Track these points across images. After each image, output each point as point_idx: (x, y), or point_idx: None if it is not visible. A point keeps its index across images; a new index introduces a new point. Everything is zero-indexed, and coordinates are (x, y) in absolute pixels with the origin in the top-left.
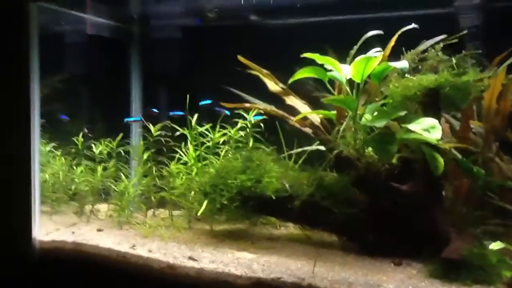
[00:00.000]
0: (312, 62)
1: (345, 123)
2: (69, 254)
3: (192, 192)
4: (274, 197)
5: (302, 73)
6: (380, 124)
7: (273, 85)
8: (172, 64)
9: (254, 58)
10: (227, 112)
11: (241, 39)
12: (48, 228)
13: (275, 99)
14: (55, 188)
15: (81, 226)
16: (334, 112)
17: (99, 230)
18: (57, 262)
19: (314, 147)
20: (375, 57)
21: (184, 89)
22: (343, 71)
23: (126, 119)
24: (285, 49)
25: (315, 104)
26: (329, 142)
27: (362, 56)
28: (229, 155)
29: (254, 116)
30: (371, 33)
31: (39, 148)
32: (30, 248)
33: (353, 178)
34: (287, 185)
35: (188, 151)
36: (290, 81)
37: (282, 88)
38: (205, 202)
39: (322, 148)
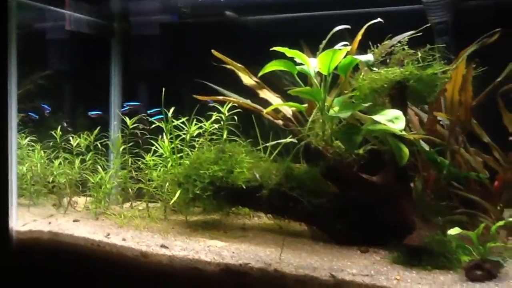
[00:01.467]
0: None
1: (313, 114)
2: (45, 244)
3: (167, 184)
4: (244, 187)
5: (272, 66)
6: (345, 115)
7: (247, 79)
8: (151, 59)
9: (230, 54)
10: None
11: (217, 35)
12: (25, 219)
13: (251, 93)
14: (33, 180)
15: (58, 217)
16: (306, 105)
17: (75, 220)
18: (34, 251)
19: (288, 139)
20: (340, 50)
21: (162, 83)
22: (311, 64)
23: (89, 112)
24: (260, 45)
25: (291, 98)
26: (299, 133)
27: (328, 49)
28: (204, 147)
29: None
30: (338, 28)
31: (16, 140)
32: (7, 238)
33: (322, 169)
34: (257, 175)
35: (164, 143)
36: (260, 73)
37: (256, 82)
38: (178, 192)
39: (295, 140)
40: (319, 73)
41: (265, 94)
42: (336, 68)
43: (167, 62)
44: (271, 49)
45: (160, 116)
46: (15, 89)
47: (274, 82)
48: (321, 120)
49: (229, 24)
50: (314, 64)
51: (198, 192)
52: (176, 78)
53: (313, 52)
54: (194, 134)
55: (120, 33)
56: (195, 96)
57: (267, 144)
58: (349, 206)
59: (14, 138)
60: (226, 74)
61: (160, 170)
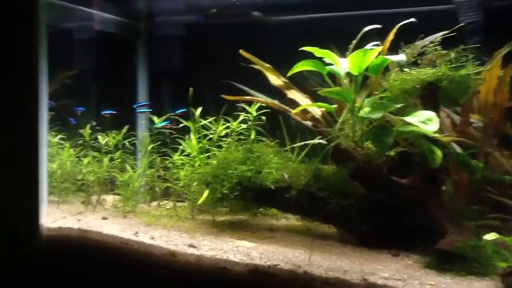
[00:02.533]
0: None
1: (343, 115)
2: (74, 241)
3: (195, 183)
4: (273, 188)
5: (301, 66)
6: (376, 116)
7: (274, 79)
8: (176, 60)
9: (257, 54)
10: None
11: (244, 36)
12: (55, 216)
13: (278, 93)
14: (63, 178)
15: (87, 215)
16: (335, 106)
17: (104, 218)
18: (63, 248)
19: (316, 140)
20: (372, 50)
21: (187, 84)
22: (341, 65)
23: (102, 112)
24: (287, 45)
25: (319, 98)
26: (328, 134)
27: (360, 49)
28: (231, 147)
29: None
30: (368, 27)
31: (47, 138)
32: (37, 235)
33: (350, 170)
34: (286, 176)
35: (191, 143)
36: (289, 73)
37: (284, 82)
38: (206, 192)
39: (324, 141)
40: (348, 74)
41: (293, 94)
42: (366, 68)
43: (192, 63)
44: (300, 49)
45: (168, 122)
46: (46, 87)
47: (300, 82)
48: (351, 121)
49: (255, 24)
50: (344, 64)
51: (225, 192)
52: (202, 79)
53: (341, 53)
54: (222, 134)
55: (146, 34)
56: (223, 96)
57: (295, 145)
58: (378, 208)
59: (44, 136)
60: (251, 75)
61: (186, 169)
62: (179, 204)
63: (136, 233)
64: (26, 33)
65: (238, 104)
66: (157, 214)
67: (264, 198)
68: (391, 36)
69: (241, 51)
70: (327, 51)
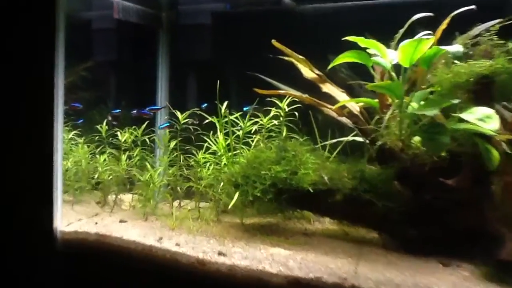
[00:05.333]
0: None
1: (389, 111)
2: (92, 246)
3: (221, 183)
4: (311, 191)
5: (344, 58)
6: (431, 112)
7: (308, 72)
8: (200, 51)
9: (288, 45)
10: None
11: (273, 25)
12: (70, 218)
13: (306, 87)
14: (77, 176)
15: (104, 217)
16: (376, 100)
17: (122, 221)
18: (80, 254)
19: (350, 137)
20: (427, 39)
21: (212, 77)
22: (389, 56)
23: (112, 111)
24: (321, 35)
25: (349, 92)
26: (372, 132)
27: (412, 39)
28: (261, 144)
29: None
30: (418, 15)
31: (62, 134)
32: (52, 239)
33: (397, 171)
34: (325, 178)
35: (217, 140)
36: (331, 65)
37: (318, 74)
38: (236, 194)
39: (359, 138)
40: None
41: (328, 88)
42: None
43: (218, 54)
44: (344, 38)
45: (167, 124)
46: (61, 81)
47: (329, 75)
48: (398, 118)
49: (286, 13)
50: (391, 56)
51: (258, 194)
52: (228, 71)
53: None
54: (252, 131)
55: (168, 23)
56: (255, 90)
57: (327, 142)
58: (425, 212)
59: (59, 131)
60: (281, 67)
61: (210, 168)
62: (202, 204)
63: (160, 239)
64: (43, 25)
65: (268, 99)
66: (181, 217)
67: (300, 201)
68: (443, 25)
69: (274, 42)
70: (374, 41)
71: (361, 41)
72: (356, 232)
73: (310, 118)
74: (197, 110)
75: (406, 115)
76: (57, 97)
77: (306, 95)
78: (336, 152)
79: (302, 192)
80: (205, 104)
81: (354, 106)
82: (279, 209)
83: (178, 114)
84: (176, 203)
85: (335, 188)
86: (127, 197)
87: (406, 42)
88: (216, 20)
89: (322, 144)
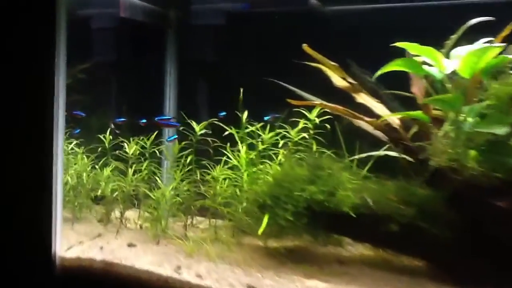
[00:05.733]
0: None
1: (444, 127)
2: (98, 277)
3: (243, 203)
4: (353, 215)
5: (393, 66)
6: (500, 131)
7: (339, 80)
8: (213, 55)
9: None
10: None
11: (297, 28)
12: (70, 240)
13: (327, 95)
14: (76, 191)
15: (109, 239)
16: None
17: (132, 245)
18: (82, 284)
19: (386, 152)
20: (494, 48)
21: (227, 82)
22: (445, 65)
23: (115, 120)
24: (349, 40)
25: None
26: (418, 149)
27: (475, 46)
28: (281, 158)
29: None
30: (475, 20)
31: (63, 145)
32: (50, 268)
33: (451, 194)
34: (369, 201)
35: (236, 153)
36: (377, 74)
37: (351, 83)
38: (266, 217)
39: (393, 153)
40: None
41: (363, 98)
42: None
43: (233, 58)
44: (392, 44)
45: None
46: (63, 87)
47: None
48: (451, 135)
49: (312, 14)
50: (448, 65)
51: (290, 218)
52: (243, 76)
53: None
54: (277, 143)
55: (178, 23)
56: (288, 100)
57: (357, 156)
58: (480, 239)
59: (60, 142)
60: (303, 73)
61: (225, 183)
62: (215, 222)
63: (178, 268)
64: (43, 25)
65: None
66: (196, 239)
67: (339, 226)
68: (507, 30)
69: (305, 46)
70: (429, 48)
71: (411, 47)
72: (396, 260)
73: (331, 130)
74: (215, 120)
75: (463, 132)
76: (58, 104)
77: (341, 107)
78: (366, 168)
79: (340, 216)
80: (224, 113)
81: (394, 119)
82: (316, 235)
83: (194, 124)
84: (188, 221)
85: (381, 212)
86: (131, 214)
87: (470, 50)
88: (232, 20)
89: (350, 158)
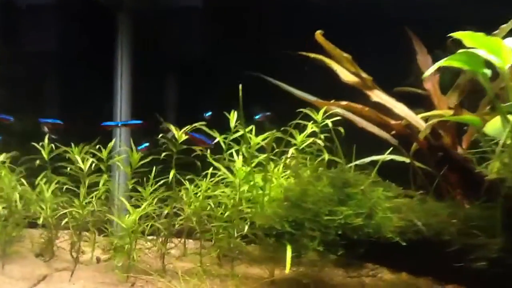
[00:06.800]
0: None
1: (505, 134)
2: None
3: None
4: (403, 242)
5: (450, 61)
6: None
7: (347, 75)
8: (178, 44)
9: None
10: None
11: (295, 17)
12: None
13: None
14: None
15: (61, 284)
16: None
17: None
18: None
19: (389, 155)
20: None
21: (196, 80)
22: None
23: (40, 120)
24: (351, 33)
25: None
26: (465, 159)
27: None
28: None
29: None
30: None
31: None
32: None
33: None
34: (419, 224)
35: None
36: (429, 72)
37: (363, 78)
38: (289, 249)
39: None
40: None
41: (379, 96)
42: None
43: (208, 50)
44: (449, 34)
45: (146, 144)
46: None
47: None
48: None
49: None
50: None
51: (320, 249)
52: (219, 69)
53: None
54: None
55: (133, 5)
56: (316, 102)
57: (356, 162)
58: None
59: None
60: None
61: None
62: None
63: None
64: None
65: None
66: (179, 272)
67: (382, 255)
68: None
69: (318, 34)
70: (495, 38)
71: (469, 37)
72: (419, 283)
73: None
74: (202, 124)
75: None
76: None
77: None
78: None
79: (383, 243)
80: (209, 113)
81: (421, 122)
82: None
83: (172, 128)
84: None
85: (435, 237)
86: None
87: None
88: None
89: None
